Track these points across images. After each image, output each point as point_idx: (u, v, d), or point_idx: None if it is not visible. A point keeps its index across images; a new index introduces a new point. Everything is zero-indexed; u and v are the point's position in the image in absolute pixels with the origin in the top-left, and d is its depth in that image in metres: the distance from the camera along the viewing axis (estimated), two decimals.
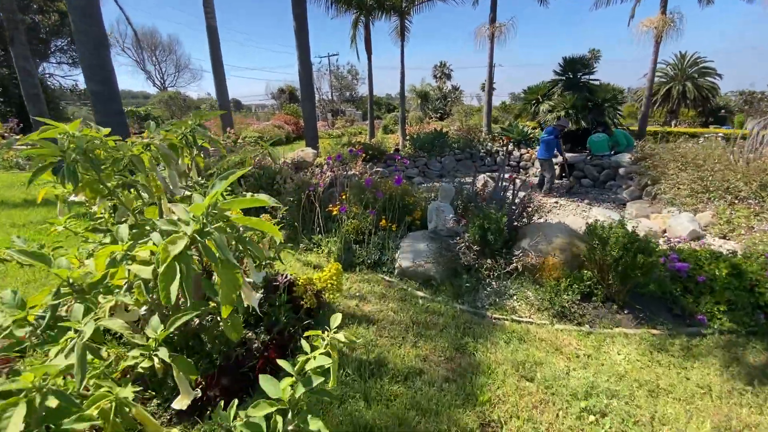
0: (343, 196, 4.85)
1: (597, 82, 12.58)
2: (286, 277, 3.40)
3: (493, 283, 3.79)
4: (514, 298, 3.60)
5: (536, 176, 11.13)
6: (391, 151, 11.58)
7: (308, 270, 4.29)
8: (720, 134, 10.45)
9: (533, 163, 11.57)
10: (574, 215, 7.12)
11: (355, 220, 4.66)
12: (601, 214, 5.55)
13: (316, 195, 4.79)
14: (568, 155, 10.96)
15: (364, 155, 10.44)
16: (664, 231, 5.34)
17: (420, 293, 3.77)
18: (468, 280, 3.73)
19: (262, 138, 15.97)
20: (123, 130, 6.83)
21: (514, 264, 3.62)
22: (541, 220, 5.32)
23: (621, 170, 9.28)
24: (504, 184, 4.98)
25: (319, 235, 4.82)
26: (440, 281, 3.85)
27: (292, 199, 5.45)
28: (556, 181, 10.63)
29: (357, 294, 3.80)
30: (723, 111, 29.64)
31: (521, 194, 4.90)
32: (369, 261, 4.30)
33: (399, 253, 4.25)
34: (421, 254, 4.07)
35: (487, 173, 10.31)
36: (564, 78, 13.15)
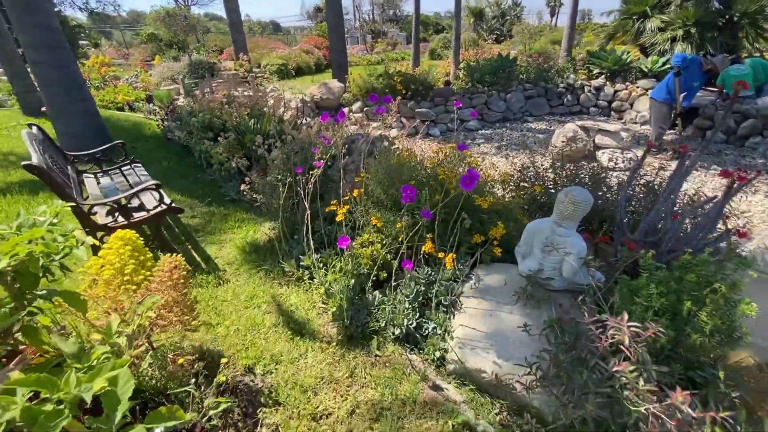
0: (356, 192, 2.58)
1: None
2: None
3: None
4: None
5: (634, 122, 8.06)
6: (440, 85, 8.78)
7: (284, 335, 2.22)
8: None
9: (631, 105, 8.41)
10: None
11: (376, 242, 2.44)
12: None
13: (306, 185, 2.55)
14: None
15: (403, 92, 7.84)
16: None
17: None
18: None
19: (287, 66, 13.35)
20: (59, 57, 4.70)
21: None
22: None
23: None
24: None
25: (315, 255, 2.68)
26: (553, 420, 1.67)
27: (278, 176, 3.26)
28: (669, 132, 7.60)
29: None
30: None
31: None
32: (397, 331, 2.16)
33: (457, 320, 2.07)
34: (506, 337, 1.87)
35: (577, 120, 7.41)
36: None
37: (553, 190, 2.90)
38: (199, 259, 3.06)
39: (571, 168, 3.04)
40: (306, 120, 6.09)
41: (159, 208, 2.76)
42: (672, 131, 7.53)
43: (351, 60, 15.68)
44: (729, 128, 6.75)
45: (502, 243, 2.39)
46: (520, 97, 8.72)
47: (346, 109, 8.12)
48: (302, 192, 2.57)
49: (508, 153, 6.36)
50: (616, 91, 8.67)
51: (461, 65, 10.65)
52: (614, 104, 8.67)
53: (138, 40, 21.40)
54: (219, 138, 4.35)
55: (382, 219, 2.48)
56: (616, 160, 5.55)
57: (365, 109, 8.00)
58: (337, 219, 2.51)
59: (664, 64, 8.60)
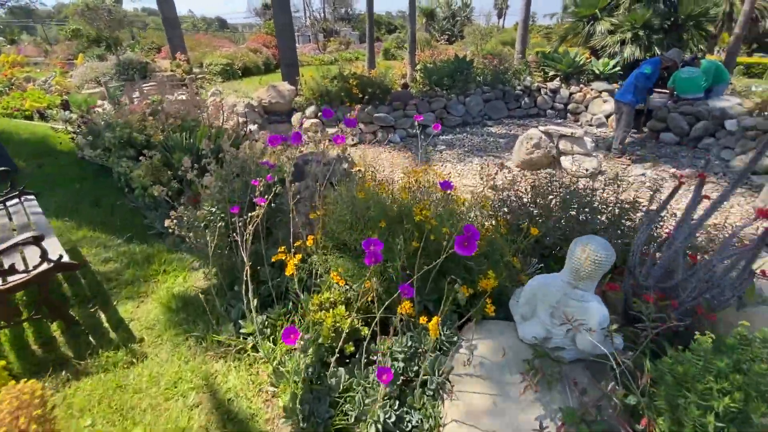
0: (310, 240, 2.01)
1: None
2: None
3: None
4: None
5: (590, 125, 8.07)
6: (398, 88, 8.32)
7: None
8: None
9: (586, 107, 8.43)
10: None
11: (339, 303, 1.91)
12: None
13: (246, 226, 1.94)
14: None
15: (359, 96, 7.30)
16: None
17: None
18: None
19: (232, 65, 12.33)
20: None
21: None
22: None
23: (729, 123, 6.27)
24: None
25: (260, 317, 2.08)
26: None
27: (212, 209, 2.63)
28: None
29: None
30: None
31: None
32: (371, 429, 1.63)
33: (449, 411, 1.58)
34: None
35: (538, 124, 7.19)
36: None
37: (541, 220, 2.49)
38: (107, 324, 2.35)
39: (558, 191, 2.65)
40: (250, 129, 5.37)
41: (43, 267, 2.04)
42: (635, 131, 7.58)
43: (303, 60, 14.87)
44: (682, 130, 6.84)
45: (496, 295, 1.93)
46: (479, 100, 8.46)
47: (298, 114, 7.45)
48: (240, 239, 1.97)
49: (471, 161, 6.02)
50: (571, 94, 8.66)
51: (418, 67, 10.28)
52: (570, 106, 8.66)
53: (62, 35, 19.14)
54: (142, 156, 3.58)
55: (345, 274, 1.94)
56: (612, 180, 5.37)
57: (319, 113, 7.36)
58: (287, 272, 1.94)
59: (614, 66, 8.70)
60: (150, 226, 3.39)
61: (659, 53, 7.50)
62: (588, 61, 9.02)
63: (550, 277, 1.64)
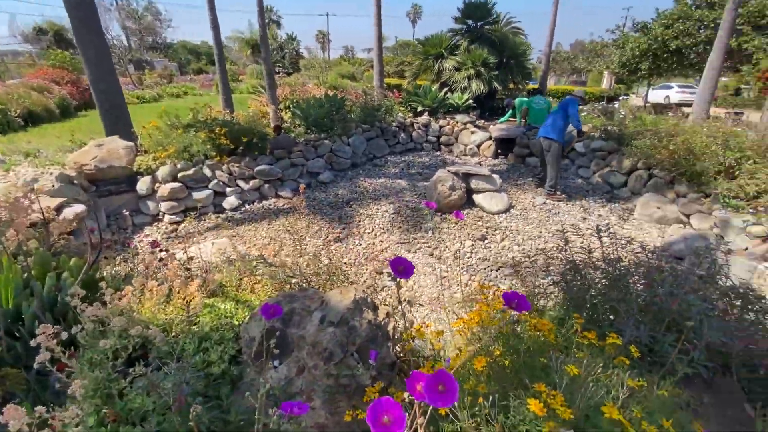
0: None
1: (500, 34, 10.23)
2: None
3: None
4: None
5: (464, 155, 8.36)
6: (272, 133, 6.91)
7: None
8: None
9: (456, 138, 8.71)
10: None
11: None
12: None
13: None
14: (498, 125, 8.46)
15: (232, 147, 5.70)
16: None
17: None
18: None
19: (6, 113, 8.45)
20: None
21: None
22: None
23: (578, 146, 7.23)
24: None
25: None
26: None
27: None
28: (493, 160, 8.09)
29: None
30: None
31: None
32: None
33: None
34: None
35: (418, 158, 6.87)
36: (466, 27, 10.37)
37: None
38: None
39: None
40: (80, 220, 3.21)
41: None
42: (495, 159, 8.08)
43: None
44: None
45: None
46: (362, 140, 7.78)
47: (147, 179, 5.26)
48: None
49: (400, 225, 5.19)
50: (441, 127, 8.84)
51: (281, 105, 9.00)
52: (442, 139, 8.82)
53: None
54: None
55: None
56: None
57: (180, 174, 5.37)
58: None
59: (467, 99, 9.29)
60: None
61: (575, 93, 6.76)
62: (446, 96, 9.43)
63: None
